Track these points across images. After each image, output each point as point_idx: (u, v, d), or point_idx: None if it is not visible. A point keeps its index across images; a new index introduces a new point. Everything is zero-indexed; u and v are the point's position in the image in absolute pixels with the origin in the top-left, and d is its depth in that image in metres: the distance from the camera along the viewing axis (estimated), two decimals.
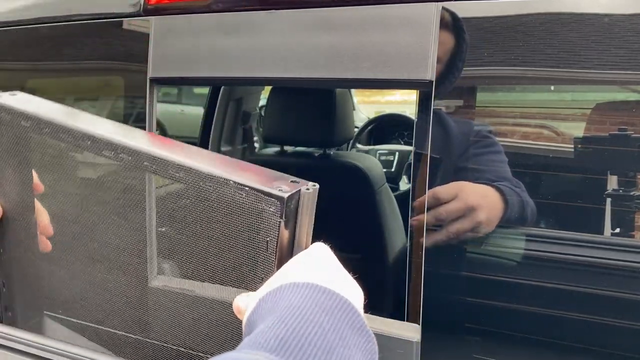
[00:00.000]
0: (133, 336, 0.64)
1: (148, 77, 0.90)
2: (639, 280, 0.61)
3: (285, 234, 0.47)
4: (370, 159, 1.68)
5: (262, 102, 2.32)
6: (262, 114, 2.37)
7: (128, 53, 0.95)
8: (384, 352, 0.73)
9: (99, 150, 0.53)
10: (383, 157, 2.65)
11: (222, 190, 0.48)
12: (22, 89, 1.14)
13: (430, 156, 0.70)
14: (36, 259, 0.65)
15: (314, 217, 0.50)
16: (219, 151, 2.10)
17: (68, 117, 0.56)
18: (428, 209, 0.69)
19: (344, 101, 1.55)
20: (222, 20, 0.84)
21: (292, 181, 0.49)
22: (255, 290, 0.47)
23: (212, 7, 0.85)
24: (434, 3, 0.70)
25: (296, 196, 0.47)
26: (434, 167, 0.70)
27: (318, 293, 0.40)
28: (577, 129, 0.66)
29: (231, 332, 0.54)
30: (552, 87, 0.65)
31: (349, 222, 1.55)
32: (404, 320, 0.75)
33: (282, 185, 0.47)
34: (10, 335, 0.65)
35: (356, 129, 3.17)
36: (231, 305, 0.47)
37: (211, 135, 2.08)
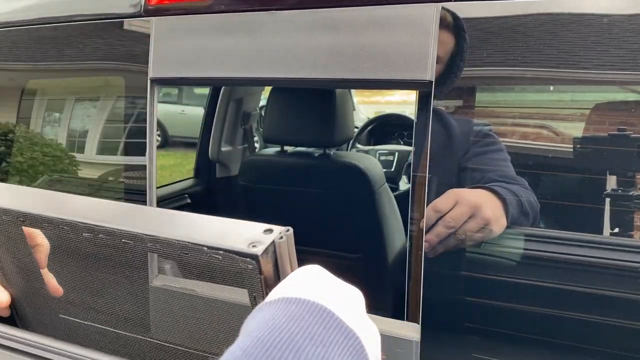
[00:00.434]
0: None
1: (149, 78, 0.90)
2: (639, 280, 0.62)
3: (269, 284, 0.47)
4: (370, 159, 1.68)
5: (263, 102, 2.32)
6: (263, 114, 2.38)
7: (129, 53, 0.95)
8: (383, 351, 0.73)
9: (79, 233, 0.53)
10: (383, 157, 2.65)
11: (199, 257, 0.48)
12: (23, 89, 1.14)
13: (430, 156, 0.70)
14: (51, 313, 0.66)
15: (295, 259, 0.50)
16: (219, 151, 2.10)
17: (46, 205, 0.57)
18: (435, 223, 0.70)
19: (344, 101, 1.55)
20: (223, 21, 0.84)
21: (265, 230, 0.47)
22: None
23: (212, 7, 0.86)
24: (433, 3, 0.70)
25: (271, 248, 0.47)
26: (433, 167, 0.70)
27: (288, 304, 0.39)
28: (577, 129, 0.66)
29: None
30: (552, 87, 0.66)
31: (349, 222, 1.55)
32: (403, 320, 0.75)
33: (255, 240, 0.46)
34: (10, 335, 0.65)
35: (356, 129, 3.17)
36: None
37: (211, 136, 2.08)
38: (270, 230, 0.47)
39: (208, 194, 2.11)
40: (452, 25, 0.69)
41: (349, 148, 2.92)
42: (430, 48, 0.70)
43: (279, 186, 1.63)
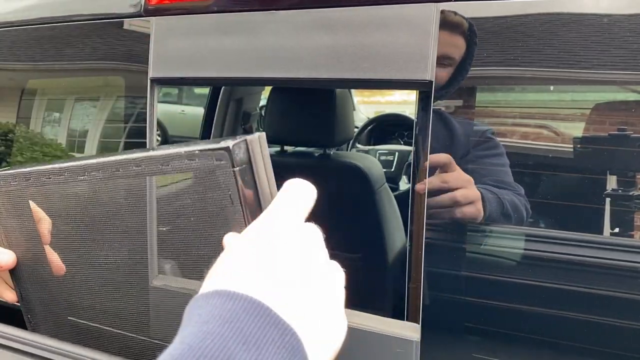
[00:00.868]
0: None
1: (149, 78, 0.90)
2: (639, 281, 0.62)
3: (244, 182, 0.50)
4: (370, 159, 1.68)
5: (263, 102, 2.32)
6: (263, 114, 2.38)
7: (129, 53, 0.95)
8: (383, 351, 0.73)
9: (75, 177, 0.59)
10: (383, 157, 2.66)
11: (179, 164, 0.52)
12: (23, 89, 1.14)
13: (430, 156, 0.70)
14: (53, 287, 0.69)
15: (270, 165, 0.53)
16: None
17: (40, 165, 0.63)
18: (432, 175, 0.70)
19: (344, 101, 1.55)
20: (223, 21, 0.84)
21: (239, 137, 0.51)
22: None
23: (212, 7, 0.86)
24: (433, 4, 0.70)
25: (242, 145, 0.50)
26: (433, 168, 0.70)
27: (224, 301, 0.36)
28: (577, 129, 0.66)
29: None
30: (552, 87, 0.66)
31: (349, 222, 1.55)
32: (403, 320, 0.75)
33: (228, 140, 0.50)
34: (10, 335, 0.65)
35: (356, 129, 3.17)
36: None
37: (212, 136, 2.08)
38: (244, 136, 0.51)
39: None
40: (452, 25, 0.69)
41: (349, 148, 2.92)
42: (430, 48, 0.70)
43: (279, 186, 1.63)
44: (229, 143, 0.49)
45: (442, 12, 0.69)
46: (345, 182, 1.55)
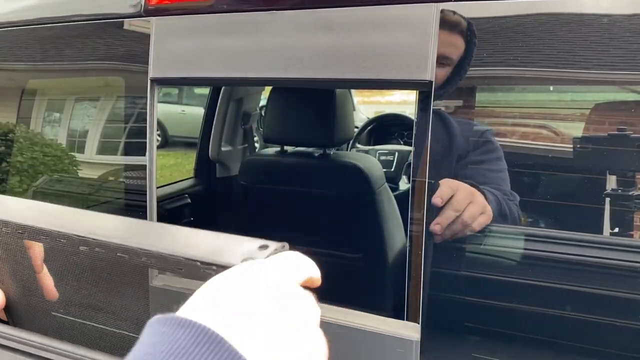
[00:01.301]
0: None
1: (149, 78, 0.90)
2: (639, 281, 0.62)
3: None
4: (370, 159, 1.68)
5: (263, 102, 2.33)
6: (263, 114, 2.38)
7: (129, 53, 0.95)
8: (383, 351, 0.73)
9: (76, 246, 0.54)
10: (383, 157, 2.66)
11: (194, 272, 0.47)
12: (23, 89, 1.14)
13: (430, 157, 0.70)
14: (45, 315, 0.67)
15: None
16: (219, 151, 2.10)
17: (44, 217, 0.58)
18: (440, 211, 0.70)
19: (344, 101, 1.55)
20: (223, 21, 0.84)
21: (260, 247, 0.45)
22: None
23: (212, 7, 0.86)
24: (433, 4, 0.70)
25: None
26: (433, 168, 0.70)
27: (176, 329, 0.34)
28: (577, 129, 0.66)
29: None
30: (551, 88, 0.66)
31: (349, 222, 1.55)
32: (403, 320, 0.75)
33: (249, 256, 0.44)
34: (10, 335, 0.65)
35: (356, 129, 3.17)
36: None
37: (212, 136, 2.08)
38: (266, 246, 0.45)
39: (208, 194, 2.11)
40: (452, 25, 0.69)
41: (349, 148, 2.92)
42: (430, 48, 0.70)
43: (279, 186, 1.63)
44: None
45: (442, 12, 0.69)
46: (345, 182, 1.55)
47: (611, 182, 0.63)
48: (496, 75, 0.68)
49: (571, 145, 0.65)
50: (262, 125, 2.44)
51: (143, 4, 0.91)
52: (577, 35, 0.63)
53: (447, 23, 0.69)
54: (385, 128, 3.28)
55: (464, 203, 0.70)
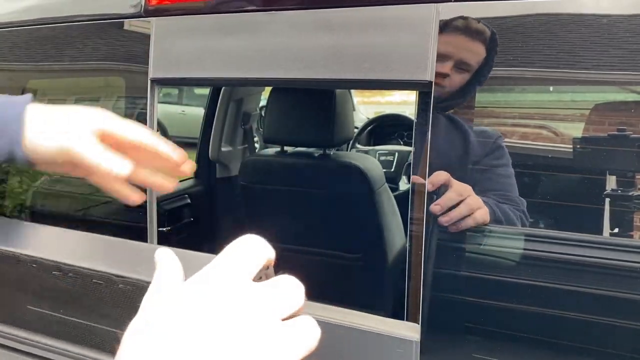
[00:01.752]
0: None
1: (149, 78, 0.90)
2: (639, 281, 0.62)
3: None
4: (370, 159, 1.68)
5: (263, 102, 2.33)
6: (263, 114, 2.38)
7: (129, 54, 0.95)
8: (383, 351, 0.73)
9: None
10: (383, 157, 2.66)
11: None
12: (23, 89, 1.14)
13: (430, 157, 0.70)
14: None
15: None
16: (219, 151, 2.10)
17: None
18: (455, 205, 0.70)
19: (344, 101, 1.55)
20: (223, 21, 0.85)
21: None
22: None
23: (212, 8, 0.86)
24: (433, 4, 0.70)
25: None
26: (433, 168, 0.70)
27: None
28: (576, 129, 0.66)
29: None
30: (551, 88, 0.66)
31: (349, 222, 1.55)
32: (403, 320, 0.75)
33: None
34: (10, 335, 0.65)
35: (356, 129, 3.17)
36: None
37: (212, 136, 2.08)
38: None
39: (208, 194, 2.11)
40: (452, 25, 0.70)
41: (349, 148, 2.93)
42: (430, 48, 0.70)
43: (279, 186, 1.63)
44: None
45: (442, 12, 0.69)
46: (345, 182, 1.56)
47: (611, 182, 0.63)
48: (497, 76, 0.68)
49: (571, 146, 0.65)
50: (262, 126, 2.44)
51: (143, 4, 0.91)
52: (578, 35, 0.64)
53: (447, 23, 0.69)
54: (385, 128, 3.28)
55: (465, 192, 0.69)
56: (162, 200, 1.85)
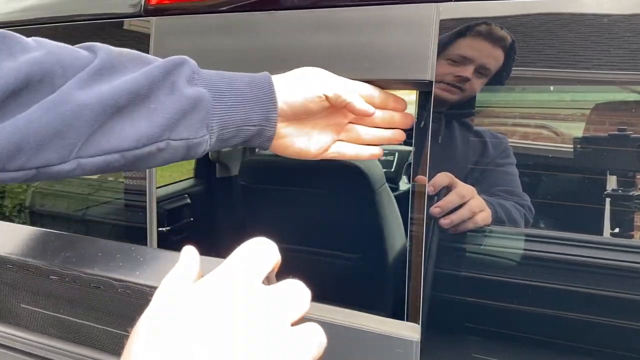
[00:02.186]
0: None
1: None
2: (639, 281, 0.62)
3: None
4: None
5: None
6: None
7: None
8: (383, 351, 0.73)
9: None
10: (383, 157, 2.65)
11: None
12: None
13: (430, 157, 0.70)
14: None
15: None
16: (219, 151, 2.10)
17: None
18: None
19: None
20: (223, 21, 0.84)
21: None
22: None
23: (212, 7, 0.86)
24: (433, 4, 0.70)
25: None
26: (433, 168, 0.70)
27: None
28: (577, 129, 0.66)
29: None
30: (552, 88, 0.66)
31: (349, 222, 1.55)
32: (403, 320, 0.75)
33: None
34: (10, 335, 0.65)
35: None
36: None
37: None
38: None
39: (208, 194, 2.11)
40: (452, 25, 0.69)
41: None
42: (430, 48, 0.70)
43: (279, 186, 1.63)
44: None
45: (442, 12, 0.69)
46: (345, 182, 1.55)
47: (611, 182, 0.62)
48: (497, 76, 0.68)
49: (571, 146, 0.65)
50: None
51: (143, 4, 0.91)
52: (578, 35, 0.63)
53: (448, 23, 0.69)
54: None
55: (469, 193, 0.69)
56: (162, 200, 1.85)
